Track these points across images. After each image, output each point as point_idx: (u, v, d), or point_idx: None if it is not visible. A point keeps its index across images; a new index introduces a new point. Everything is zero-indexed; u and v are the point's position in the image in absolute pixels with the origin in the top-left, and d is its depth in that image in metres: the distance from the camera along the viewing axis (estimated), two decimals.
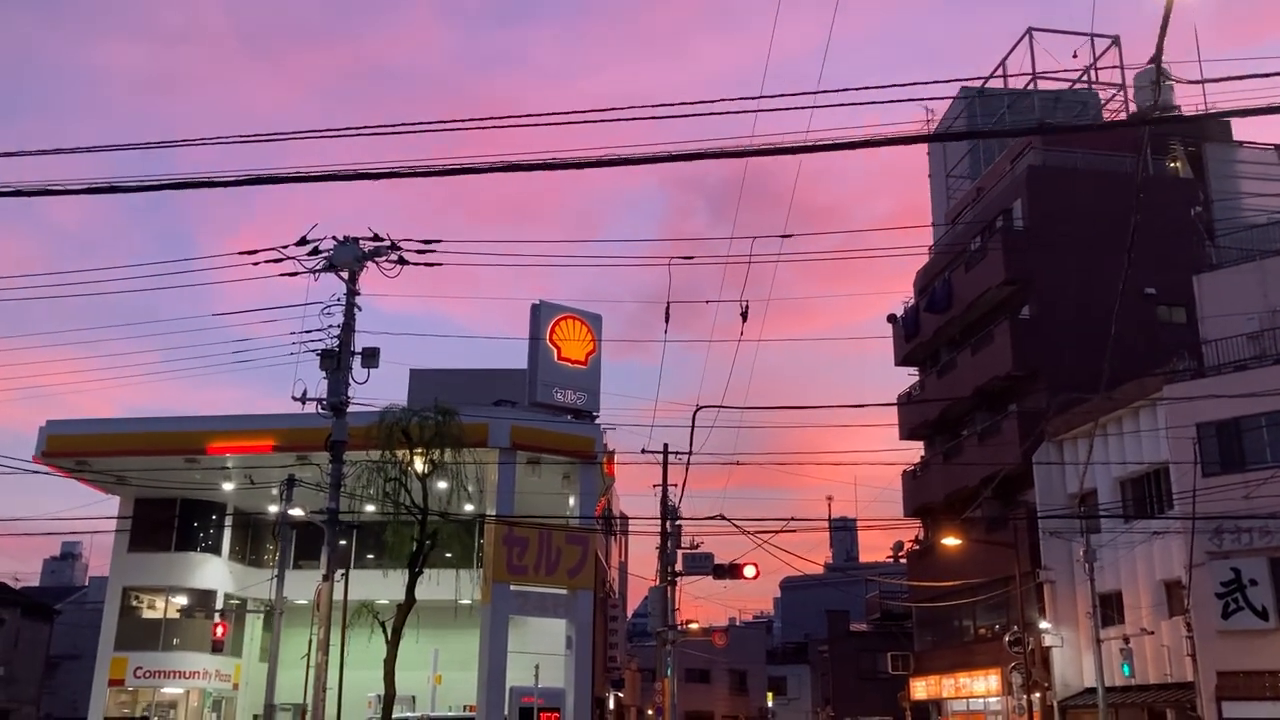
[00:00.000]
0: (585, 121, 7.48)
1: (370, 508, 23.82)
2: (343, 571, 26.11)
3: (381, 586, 29.30)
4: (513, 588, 27.10)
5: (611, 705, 49.63)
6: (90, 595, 49.22)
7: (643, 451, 29.66)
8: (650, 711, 60.08)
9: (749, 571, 27.47)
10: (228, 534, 33.52)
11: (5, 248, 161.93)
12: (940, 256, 42.78)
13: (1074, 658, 30.51)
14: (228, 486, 30.42)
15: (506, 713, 26.24)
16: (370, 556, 33.29)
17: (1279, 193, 37.07)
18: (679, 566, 28.54)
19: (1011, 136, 40.93)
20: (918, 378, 43.22)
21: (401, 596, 30.57)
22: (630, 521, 54.69)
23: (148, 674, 31.32)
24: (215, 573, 32.92)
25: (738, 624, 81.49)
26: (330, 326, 22.69)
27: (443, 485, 27.89)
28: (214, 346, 29.01)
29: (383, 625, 24.40)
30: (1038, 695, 30.93)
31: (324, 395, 21.69)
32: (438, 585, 28.29)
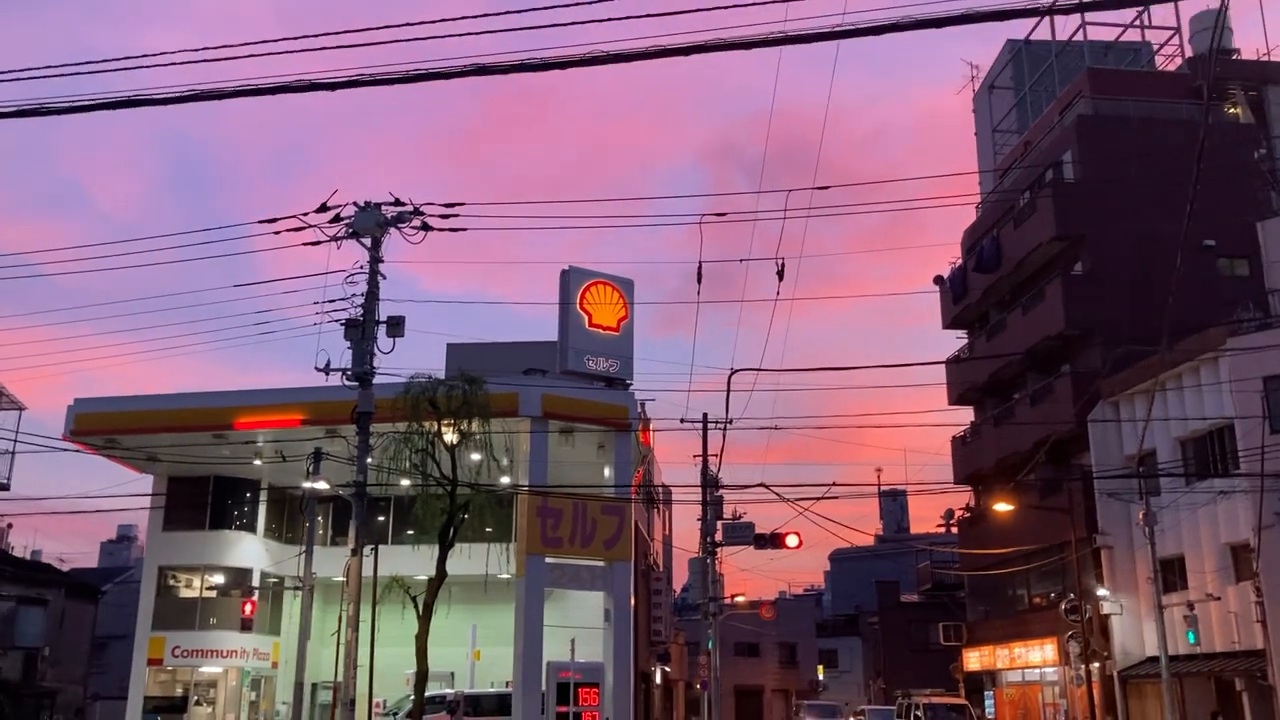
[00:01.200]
0: (582, 21, 6.55)
1: (401, 481, 23.16)
2: (373, 546, 25.55)
3: (414, 562, 28.70)
4: (547, 560, 26.37)
5: (658, 679, 49.01)
6: (135, 575, 49.45)
7: (681, 421, 28.85)
8: (698, 685, 59.53)
9: (791, 541, 26.60)
10: (262, 511, 33.14)
11: (52, 232, 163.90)
12: (988, 214, 41.34)
13: (1134, 626, 29.28)
14: (258, 463, 30.01)
15: (544, 688, 25.55)
16: (408, 532, 32.73)
17: None
18: (719, 537, 27.70)
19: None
20: (966, 341, 41.87)
21: (434, 572, 30.17)
22: (673, 493, 54.01)
23: (186, 653, 31.07)
24: (250, 550, 32.56)
25: (787, 597, 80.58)
26: (354, 295, 22.05)
27: (475, 457, 27.28)
28: (239, 319, 28.44)
29: (414, 601, 23.83)
30: (1096, 665, 29.74)
31: (349, 366, 21.17)
32: (471, 560, 27.68)
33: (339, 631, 24.70)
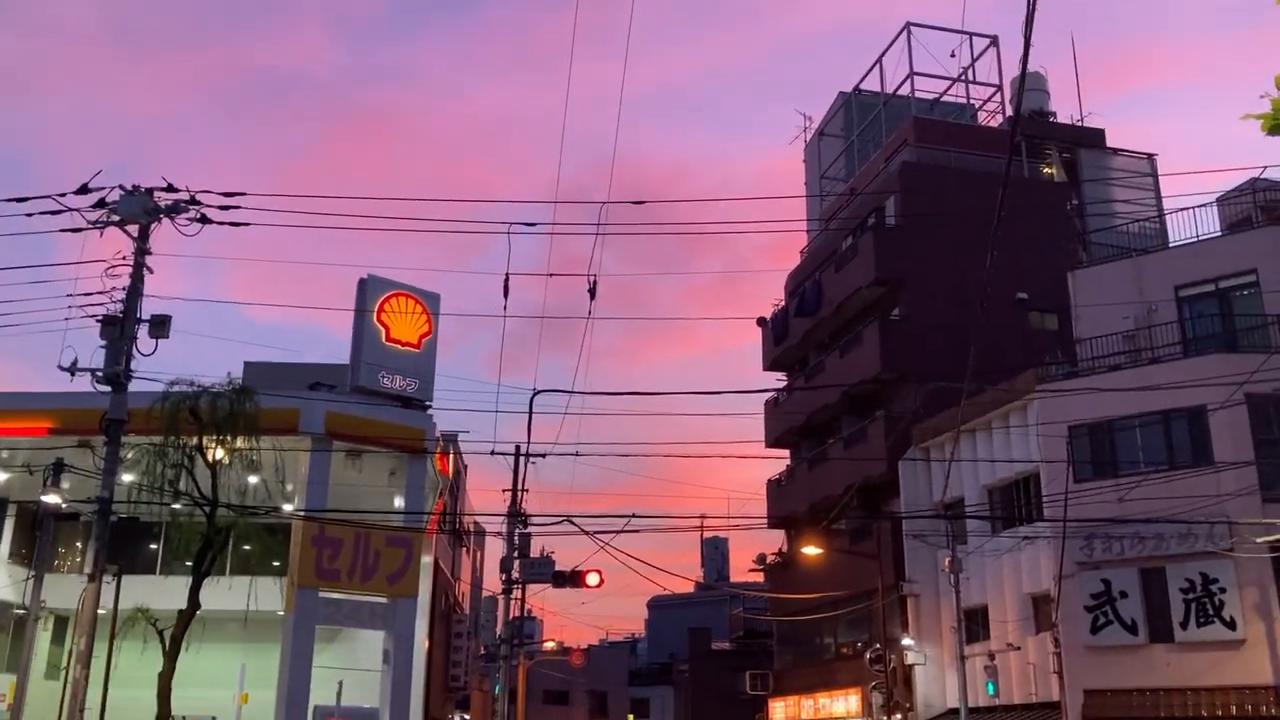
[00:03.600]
0: None
1: (153, 503, 20.53)
2: (115, 573, 22.72)
3: (173, 594, 25.89)
4: (322, 594, 23.95)
5: None
6: None
7: (492, 453, 27.02)
8: None
9: (592, 579, 24.98)
10: (8, 532, 29.46)
11: None
12: (811, 259, 41.24)
13: (937, 676, 28.79)
14: (2, 476, 26.61)
15: None
16: (170, 560, 29.65)
17: (1150, 201, 36.51)
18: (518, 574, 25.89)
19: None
20: (786, 383, 41.46)
21: (209, 606, 27.22)
22: (485, 536, 51.77)
23: None
24: None
25: (601, 644, 78.85)
26: (113, 289, 19.54)
27: (252, 480, 24.75)
28: None
29: (160, 635, 21.17)
30: (899, 717, 29.10)
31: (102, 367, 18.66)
32: (237, 593, 25.07)
33: (68, 668, 21.79)
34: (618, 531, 22.05)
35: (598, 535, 24.27)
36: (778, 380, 42.24)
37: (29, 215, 18.89)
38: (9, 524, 29.79)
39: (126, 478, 21.98)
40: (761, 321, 42.43)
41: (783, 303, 41.74)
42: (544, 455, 33.29)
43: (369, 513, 23.88)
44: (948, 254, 32.16)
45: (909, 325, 33.20)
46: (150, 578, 27.94)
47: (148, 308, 18.92)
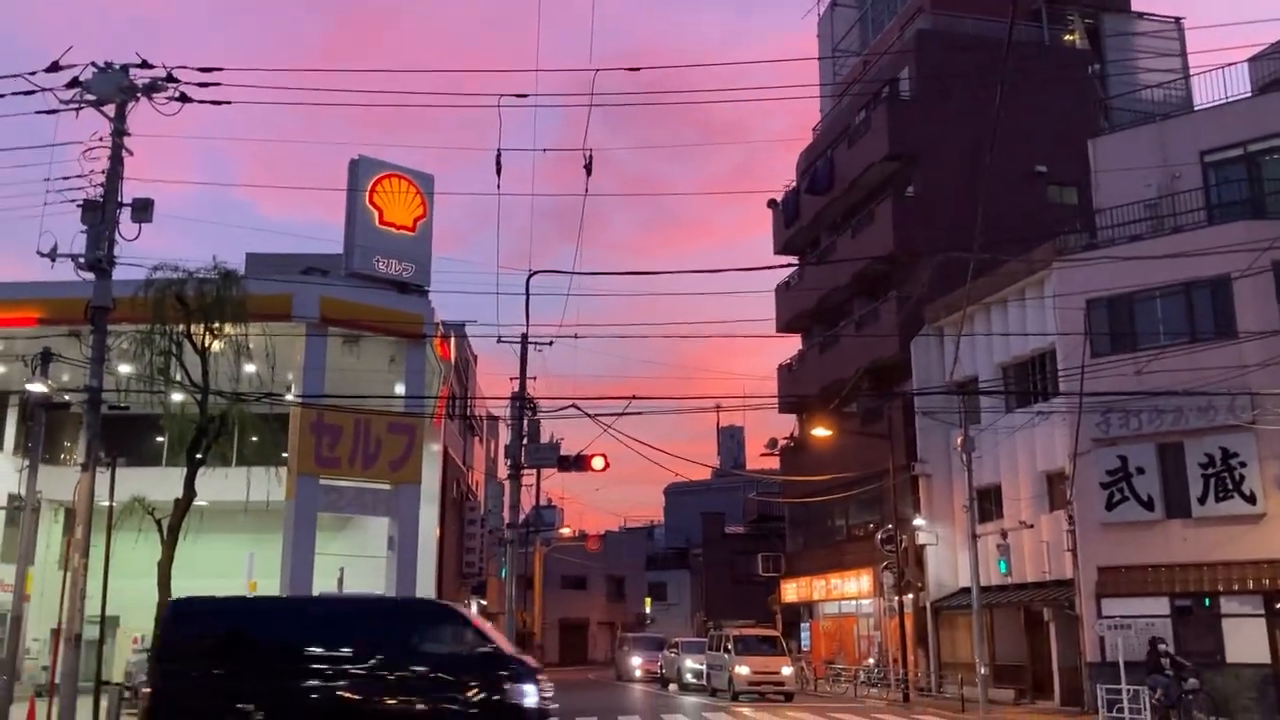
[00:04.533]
0: None
1: (144, 390, 20.07)
2: (109, 461, 22.42)
3: (171, 484, 25.70)
4: (322, 482, 23.66)
5: (475, 612, 47.03)
6: None
7: (499, 341, 26.49)
8: (522, 619, 57.87)
9: (597, 463, 24.63)
10: (10, 425, 29.30)
11: None
12: (823, 137, 39.95)
13: (949, 556, 28.56)
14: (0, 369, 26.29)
15: None
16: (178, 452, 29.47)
17: (1176, 66, 34.94)
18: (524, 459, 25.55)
19: None
20: (797, 267, 40.57)
21: (212, 497, 27.03)
22: (499, 422, 51.64)
23: None
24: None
25: (622, 531, 79.67)
26: (91, 173, 18.81)
27: (249, 368, 24.27)
28: None
29: (158, 524, 20.94)
30: (910, 596, 29.00)
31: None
32: (245, 483, 24.82)
33: (66, 559, 21.70)
34: (619, 414, 21.59)
35: (603, 420, 23.91)
36: (789, 264, 41.36)
37: (1, 95, 18.15)
38: (12, 417, 29.64)
39: (124, 369, 21.55)
40: (772, 203, 41.37)
41: (794, 183, 40.58)
42: (550, 342, 32.69)
43: (364, 397, 23.43)
44: (964, 127, 30.88)
45: (923, 202, 32.17)
46: (154, 469, 27.79)
47: (140, 196, 18.29)
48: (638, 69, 15.31)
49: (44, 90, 18.28)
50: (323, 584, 24.32)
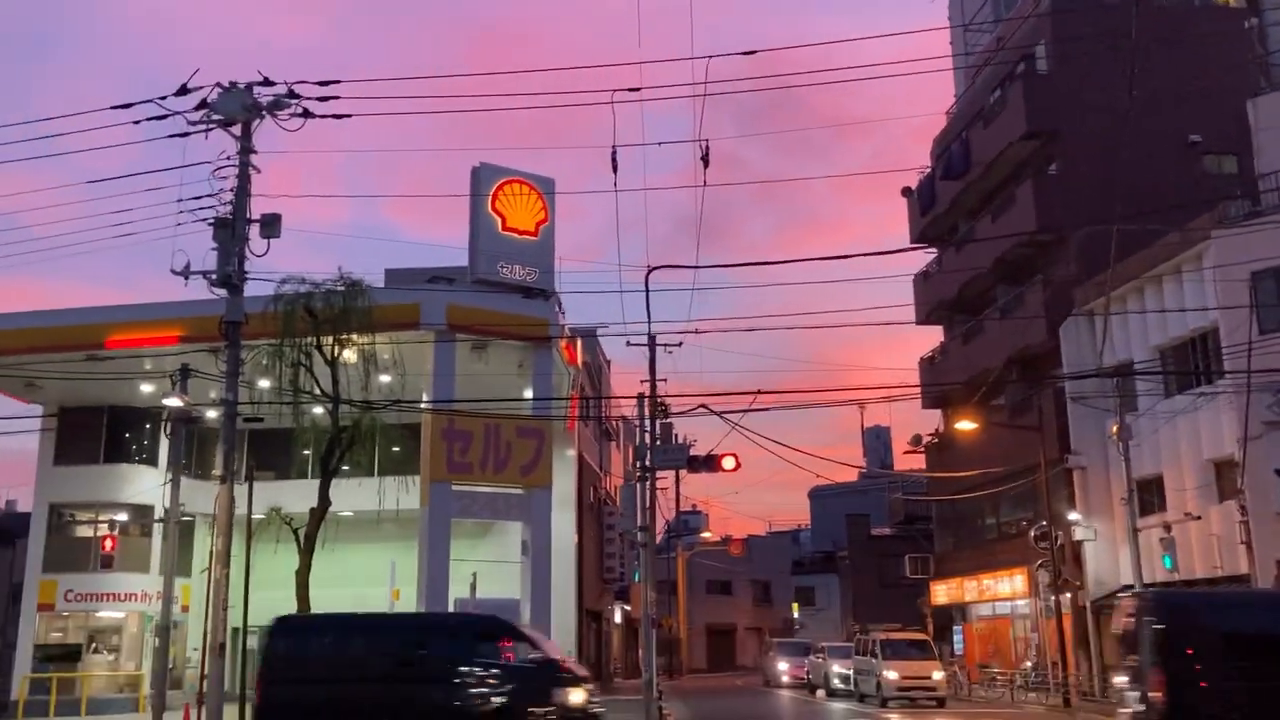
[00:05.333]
0: None
1: (276, 401, 20.45)
2: (248, 474, 22.97)
3: (347, 497, 26.15)
4: (455, 487, 23.73)
5: (618, 618, 46.90)
6: None
7: (628, 344, 26.25)
8: (668, 625, 57.60)
9: (728, 463, 23.97)
10: (164, 443, 30.44)
11: None
12: (958, 120, 38.43)
13: (1109, 553, 26.90)
14: (148, 388, 27.28)
15: None
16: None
17: None
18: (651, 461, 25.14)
19: None
20: (935, 256, 39.12)
21: (351, 507, 27.49)
22: (636, 428, 51.49)
23: (79, 597, 28.54)
24: (153, 486, 29.90)
25: (768, 535, 78.77)
26: (221, 191, 19.23)
27: (385, 378, 24.57)
28: (106, 227, 25.54)
29: (295, 534, 21.33)
30: (1068, 596, 27.43)
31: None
32: (379, 492, 25.14)
33: (209, 569, 22.25)
34: (746, 410, 20.98)
35: (734, 419, 23.32)
36: (926, 254, 39.93)
37: (136, 123, 18.71)
38: (164, 434, 30.80)
39: (263, 383, 21.99)
40: (907, 191, 40.05)
41: (929, 169, 39.17)
42: (679, 343, 32.28)
43: (489, 400, 23.39)
44: (1106, 99, 29.11)
45: (1067, 180, 30.51)
46: (300, 482, 28.39)
47: (268, 212, 18.63)
48: (752, 52, 14.64)
49: (175, 114, 18.85)
50: (460, 590, 24.39)
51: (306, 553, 20.35)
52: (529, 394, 25.18)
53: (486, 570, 26.39)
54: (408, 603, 28.31)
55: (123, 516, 30.00)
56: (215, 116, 18.88)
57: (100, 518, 28.97)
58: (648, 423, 27.02)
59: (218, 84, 18.94)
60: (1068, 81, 30.78)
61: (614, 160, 20.29)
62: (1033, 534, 27.45)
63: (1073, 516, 27.18)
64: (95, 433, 29.35)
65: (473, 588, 23.97)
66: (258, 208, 18.80)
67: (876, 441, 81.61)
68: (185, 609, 31.34)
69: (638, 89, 19.61)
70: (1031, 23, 33.86)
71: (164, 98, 18.80)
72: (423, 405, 23.31)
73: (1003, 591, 31.91)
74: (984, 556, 33.27)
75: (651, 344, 27.72)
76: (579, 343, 29.71)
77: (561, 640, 30.76)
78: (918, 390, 35.05)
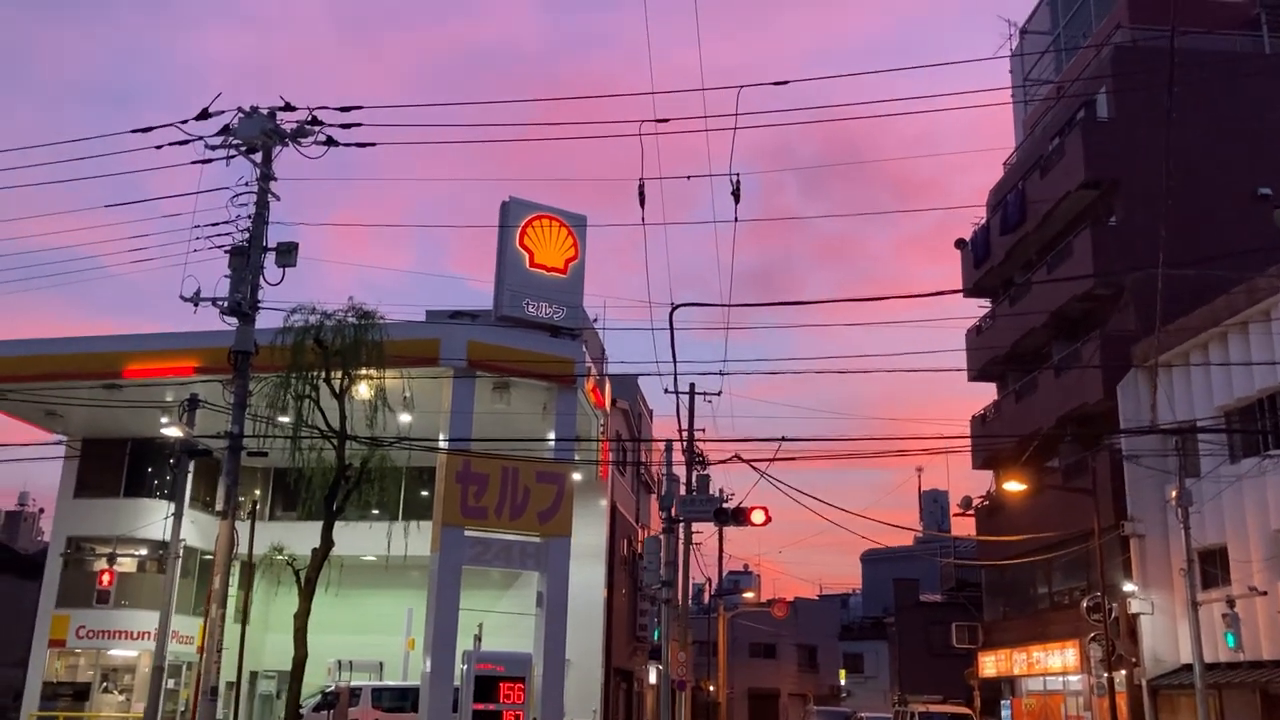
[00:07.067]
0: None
1: (278, 435, 19.66)
2: (249, 512, 22.19)
3: (351, 539, 25.26)
4: (468, 533, 22.70)
5: (653, 679, 45.28)
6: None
7: (666, 392, 25.29)
8: (710, 688, 55.76)
9: (757, 517, 22.78)
10: (190, 478, 29.91)
11: None
12: (1015, 171, 37.15)
13: (1167, 627, 25.05)
14: (166, 420, 26.76)
15: (458, 683, 21.91)
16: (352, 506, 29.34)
17: None
18: (676, 512, 24.00)
19: None
20: (988, 310, 37.68)
21: (366, 550, 26.57)
22: (677, 482, 50.17)
23: (91, 634, 27.91)
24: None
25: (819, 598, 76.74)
26: (239, 218, 18.68)
27: (404, 418, 23.76)
28: (124, 253, 25.18)
29: (297, 575, 20.43)
30: (1123, 673, 25.58)
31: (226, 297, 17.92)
32: (412, 538, 24.26)
33: (207, 609, 21.41)
34: (771, 460, 19.72)
35: (766, 468, 22.11)
36: (979, 307, 38.53)
37: (158, 147, 18.27)
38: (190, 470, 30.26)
39: (283, 419, 21.23)
40: (960, 243, 38.75)
41: (984, 221, 37.87)
42: (719, 392, 31.25)
43: (504, 440, 22.40)
44: (1170, 148, 27.78)
45: (1126, 232, 29.05)
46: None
47: (284, 240, 18.05)
48: (784, 83, 13.72)
49: (196, 139, 18.36)
50: (470, 642, 23.31)
51: (306, 596, 19.42)
52: (552, 437, 24.19)
53: (504, 622, 25.32)
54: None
55: (142, 552, 29.45)
56: (234, 141, 18.42)
57: (118, 552, 28.35)
58: (675, 471, 25.96)
59: (239, 108, 18.50)
60: (1129, 130, 29.47)
61: (641, 193, 19.32)
62: (1085, 605, 25.73)
63: (1128, 587, 25.43)
64: (116, 465, 28.94)
65: (477, 639, 22.84)
66: (278, 235, 18.31)
67: (934, 505, 79.63)
68: (200, 650, 30.59)
69: (666, 120, 18.77)
70: (1092, 70, 32.67)
71: (185, 121, 18.41)
72: (429, 444, 22.40)
73: (1053, 665, 30.03)
74: (1034, 627, 31.42)
75: (691, 393, 26.74)
76: (608, 385, 28.68)
77: (584, 699, 29.51)
78: (967, 448, 33.45)
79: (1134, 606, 25.32)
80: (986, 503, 35.65)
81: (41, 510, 60.42)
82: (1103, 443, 26.73)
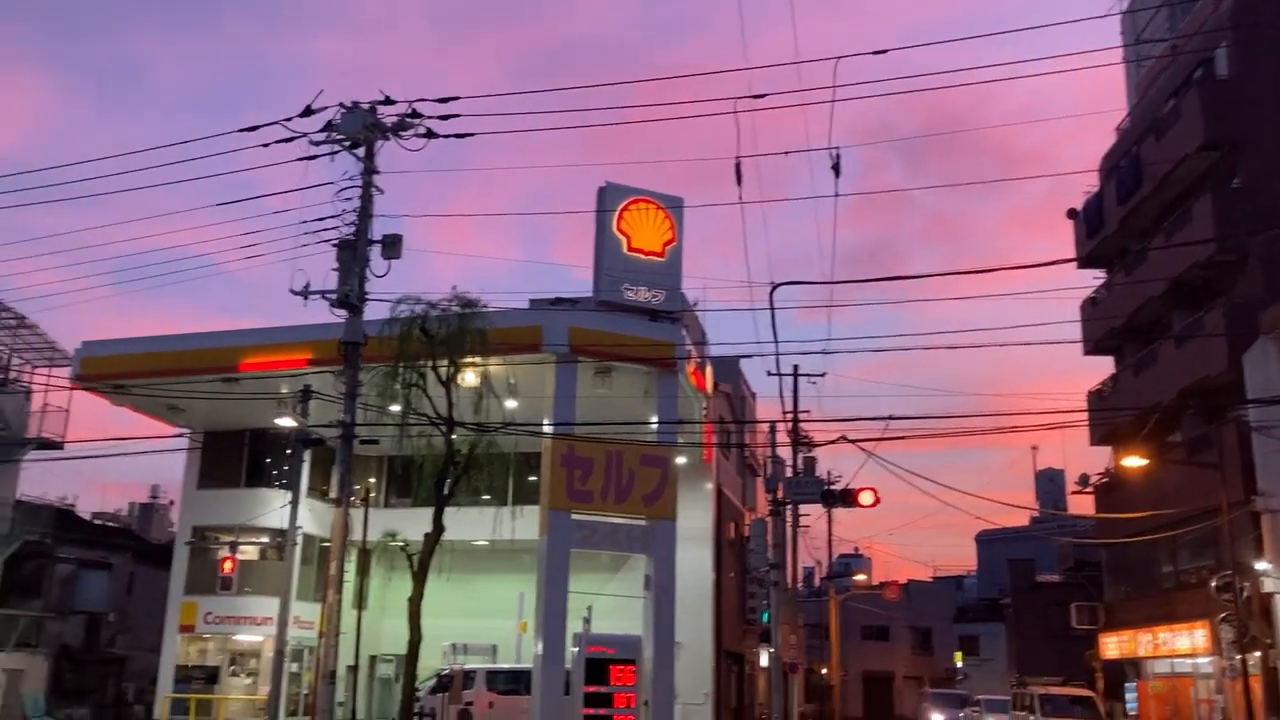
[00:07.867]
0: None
1: (385, 423, 20.07)
2: (361, 499, 22.67)
3: (472, 525, 25.64)
4: (574, 517, 22.87)
5: (764, 661, 45.09)
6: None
7: (769, 374, 25.14)
8: (824, 671, 55.43)
9: (865, 498, 22.49)
10: (306, 467, 30.80)
11: None
12: (1128, 135, 35.76)
13: None
14: (281, 412, 27.57)
15: (569, 665, 22.10)
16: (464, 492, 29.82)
17: None
18: (782, 494, 23.81)
19: None
20: (1103, 281, 36.41)
21: (477, 535, 27.01)
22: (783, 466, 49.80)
23: (218, 619, 28.98)
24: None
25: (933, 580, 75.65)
26: (344, 212, 19.09)
27: (511, 404, 24.00)
28: (238, 249, 25.88)
29: (410, 560, 20.86)
30: (1257, 654, 24.52)
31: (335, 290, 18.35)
32: (525, 522, 24.56)
33: (325, 593, 21.99)
34: (879, 439, 19.37)
35: (873, 448, 21.77)
36: (1094, 279, 37.25)
37: (265, 145, 18.74)
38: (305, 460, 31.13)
39: (393, 408, 21.66)
40: (1072, 213, 37.50)
41: (1096, 188, 36.57)
42: (823, 374, 30.81)
43: (608, 424, 22.46)
44: None
45: (1251, 194, 27.77)
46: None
47: (390, 233, 18.38)
48: (883, 51, 13.41)
49: (300, 136, 18.76)
50: (584, 625, 23.50)
51: (419, 580, 19.85)
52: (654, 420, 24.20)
53: (614, 605, 25.42)
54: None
55: (263, 540, 30.42)
56: (338, 137, 18.77)
57: (241, 540, 29.32)
58: (780, 453, 25.73)
59: (340, 104, 18.84)
60: (1251, 87, 28.13)
61: (738, 171, 19.11)
62: (1214, 584, 24.71)
63: (1261, 566, 24.33)
64: (236, 456, 29.91)
65: (586, 621, 23.00)
66: (385, 228, 18.66)
67: (1050, 485, 77.77)
68: (320, 635, 31.49)
69: (762, 95, 18.51)
70: (1210, 24, 31.23)
71: (289, 119, 18.81)
72: (534, 428, 22.61)
73: (1181, 647, 28.94)
74: (1160, 607, 30.33)
75: (795, 376, 26.45)
76: (709, 368, 28.54)
77: (695, 681, 29.51)
78: (1083, 424, 32.42)
79: (1267, 585, 24.23)
80: (1106, 480, 34.52)
81: (171, 502, 62.99)
82: (1230, 414, 25.58)
